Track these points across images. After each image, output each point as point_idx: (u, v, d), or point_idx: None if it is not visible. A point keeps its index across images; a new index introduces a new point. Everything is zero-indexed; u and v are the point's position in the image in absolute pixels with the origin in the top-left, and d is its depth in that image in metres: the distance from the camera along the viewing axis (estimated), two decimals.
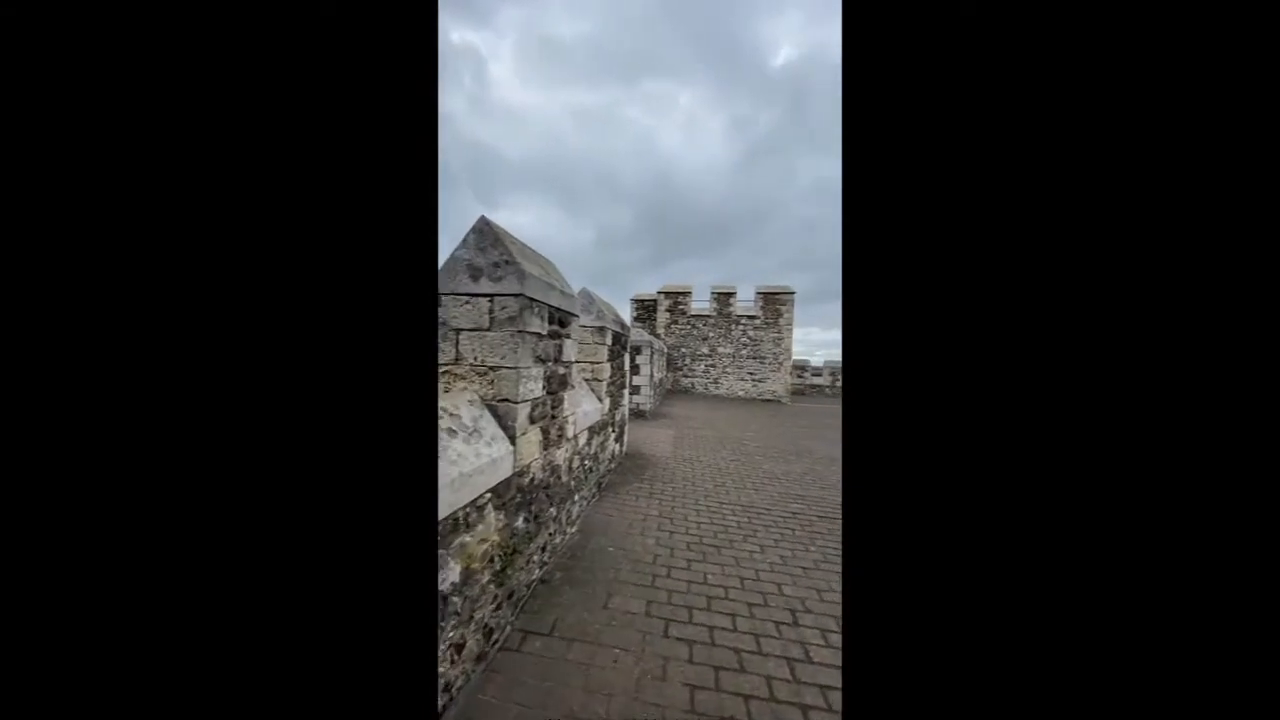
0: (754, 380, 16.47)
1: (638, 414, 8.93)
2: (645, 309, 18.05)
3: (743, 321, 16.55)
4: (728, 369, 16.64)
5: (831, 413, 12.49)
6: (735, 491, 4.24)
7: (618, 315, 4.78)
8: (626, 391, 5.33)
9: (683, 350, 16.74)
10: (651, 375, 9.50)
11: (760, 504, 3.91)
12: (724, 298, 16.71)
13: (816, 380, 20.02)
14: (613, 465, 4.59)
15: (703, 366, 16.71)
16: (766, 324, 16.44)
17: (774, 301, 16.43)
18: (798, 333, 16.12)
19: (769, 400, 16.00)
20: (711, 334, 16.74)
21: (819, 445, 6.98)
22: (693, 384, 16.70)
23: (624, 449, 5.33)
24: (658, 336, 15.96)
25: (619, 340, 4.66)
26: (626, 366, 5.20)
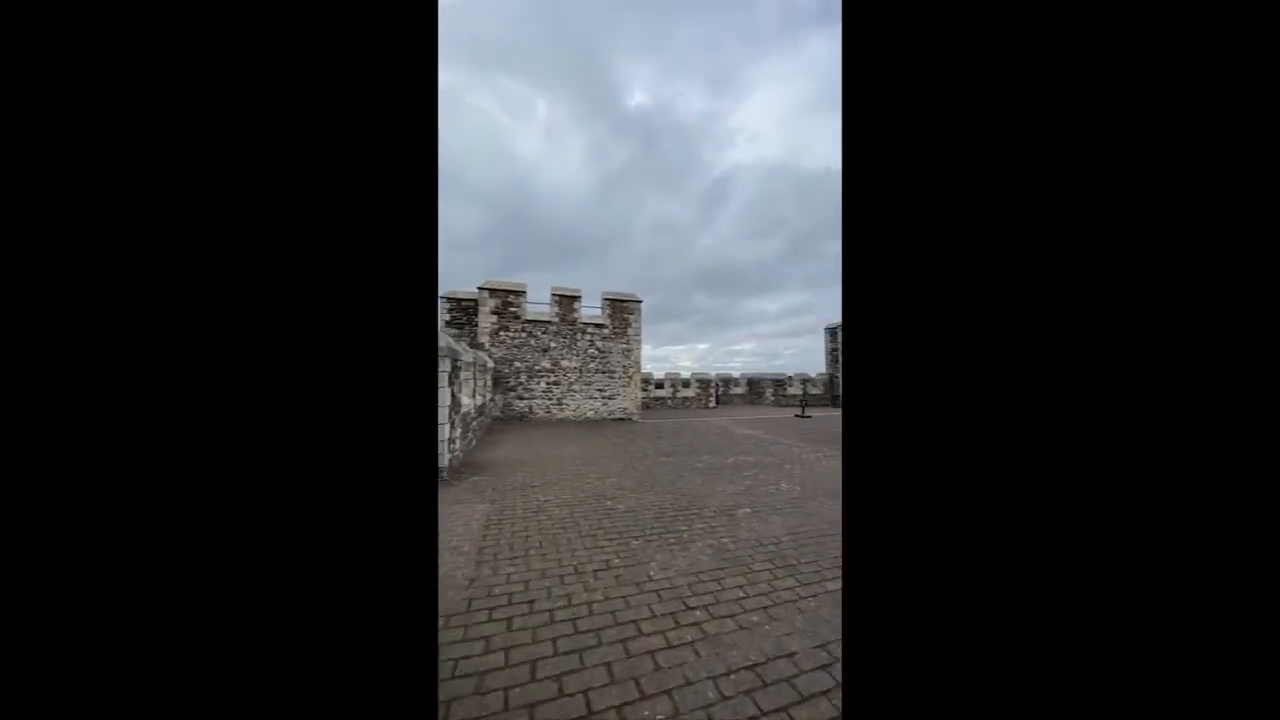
0: (604, 398, 14.12)
1: None
2: (463, 311, 13.75)
3: (589, 330, 14.11)
4: (574, 385, 13.84)
5: (685, 428, 10.96)
6: None
7: None
8: None
9: (517, 364, 13.17)
10: (455, 405, 5.94)
11: None
12: (567, 301, 13.95)
13: (659, 393, 20.93)
14: None
15: (544, 384, 13.47)
16: (615, 334, 14.40)
17: (622, 310, 14.55)
18: None
19: (621, 419, 13.90)
20: (554, 344, 13.69)
21: (715, 486, 4.65)
22: (530, 407, 13.29)
23: None
24: (480, 347, 12.09)
25: None
26: None
